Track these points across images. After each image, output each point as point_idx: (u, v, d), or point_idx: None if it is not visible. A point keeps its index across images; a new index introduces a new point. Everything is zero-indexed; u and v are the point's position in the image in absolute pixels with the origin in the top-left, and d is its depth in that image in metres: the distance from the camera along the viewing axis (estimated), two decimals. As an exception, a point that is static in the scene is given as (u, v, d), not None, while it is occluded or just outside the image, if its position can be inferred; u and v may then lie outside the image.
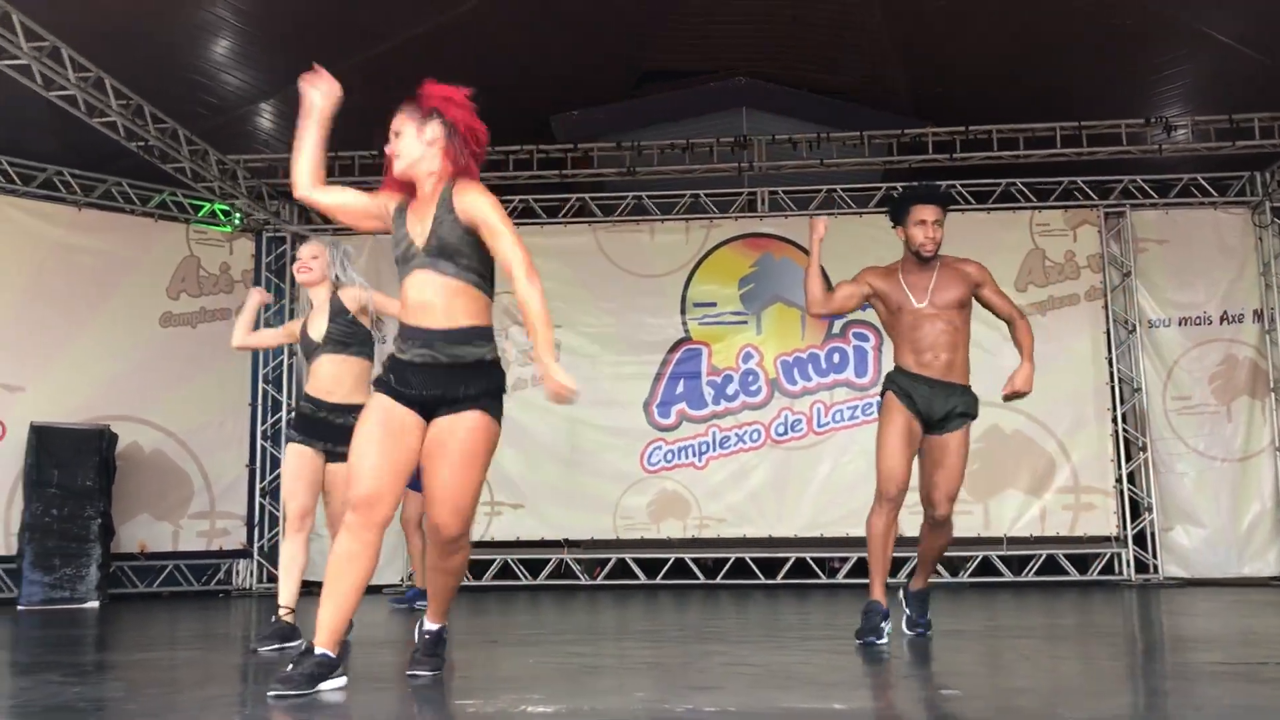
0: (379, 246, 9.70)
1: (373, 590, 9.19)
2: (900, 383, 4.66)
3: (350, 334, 4.95)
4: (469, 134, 3.43)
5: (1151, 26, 7.78)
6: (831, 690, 3.13)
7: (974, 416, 4.70)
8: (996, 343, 9.09)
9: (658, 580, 9.15)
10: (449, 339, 3.29)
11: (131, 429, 8.72)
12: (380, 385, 3.40)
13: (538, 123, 9.54)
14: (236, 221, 9.61)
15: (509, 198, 9.63)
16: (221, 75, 8.14)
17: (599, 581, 9.30)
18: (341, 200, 3.55)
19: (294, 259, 5.30)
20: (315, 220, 9.84)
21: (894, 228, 4.87)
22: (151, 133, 7.73)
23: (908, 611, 4.91)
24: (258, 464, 9.45)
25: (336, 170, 9.21)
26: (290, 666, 3.26)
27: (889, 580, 4.83)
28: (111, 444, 8.33)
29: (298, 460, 4.90)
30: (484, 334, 3.36)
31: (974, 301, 4.86)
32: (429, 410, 3.34)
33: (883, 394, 4.76)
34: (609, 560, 9.29)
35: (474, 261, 3.34)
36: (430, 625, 3.69)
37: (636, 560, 9.19)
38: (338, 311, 4.96)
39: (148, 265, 9.13)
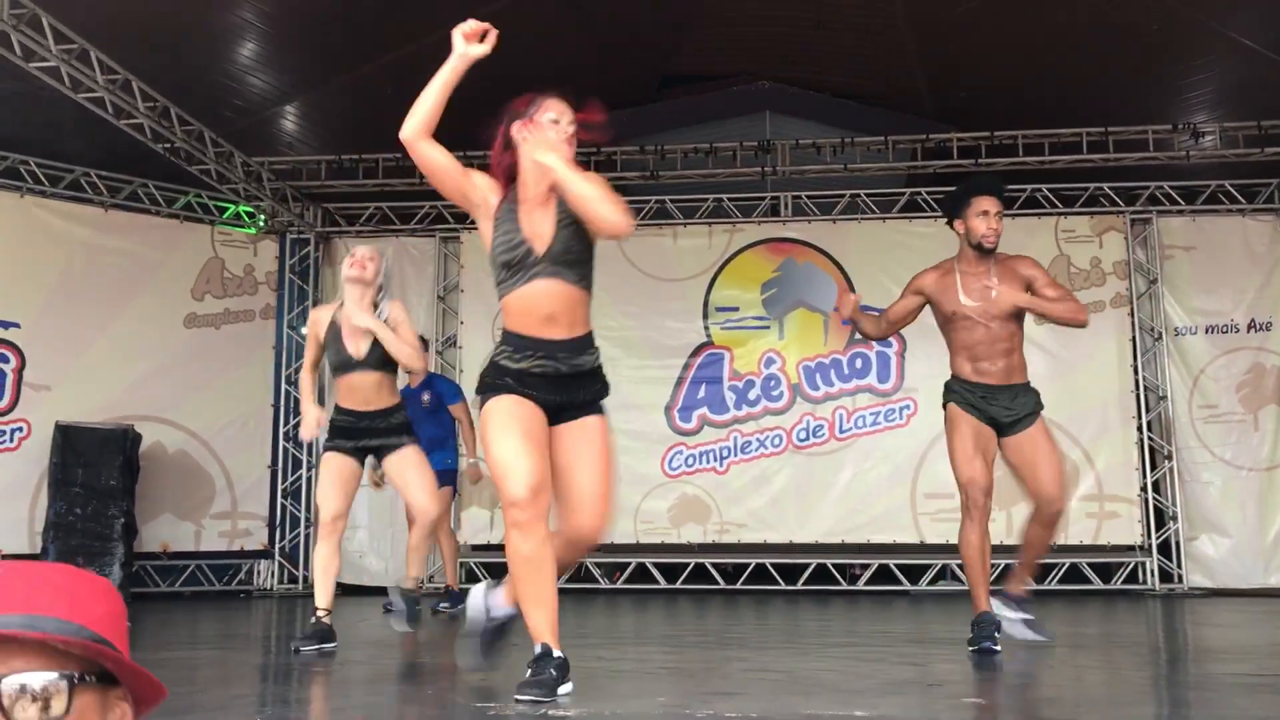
0: (402, 248, 9.73)
1: (368, 591, 9.21)
2: (961, 393, 4.58)
3: (386, 352, 4.92)
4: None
5: (1179, 33, 7.72)
6: (854, 698, 3.11)
7: (1041, 408, 4.63)
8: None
9: (678, 585, 9.13)
10: (571, 349, 3.25)
11: (155, 429, 8.76)
12: (495, 389, 3.26)
13: (558, 124, 9.54)
14: (261, 223, 9.66)
15: (532, 201, 9.63)
16: (247, 77, 8.19)
17: (619, 585, 9.28)
18: (442, 162, 3.38)
19: (342, 257, 5.31)
20: (339, 222, 9.89)
21: (950, 223, 4.73)
22: (178, 134, 7.77)
23: (1025, 615, 4.62)
24: (279, 465, 9.49)
25: (360, 173, 9.25)
26: (530, 672, 3.14)
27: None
28: (135, 444, 8.38)
29: (334, 466, 4.90)
30: (594, 341, 3.36)
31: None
32: (549, 415, 3.27)
33: (944, 407, 4.65)
34: (629, 564, 9.28)
35: (589, 269, 3.31)
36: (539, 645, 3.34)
37: (656, 564, 9.18)
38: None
39: (172, 266, 9.18)
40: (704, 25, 8.71)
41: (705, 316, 9.36)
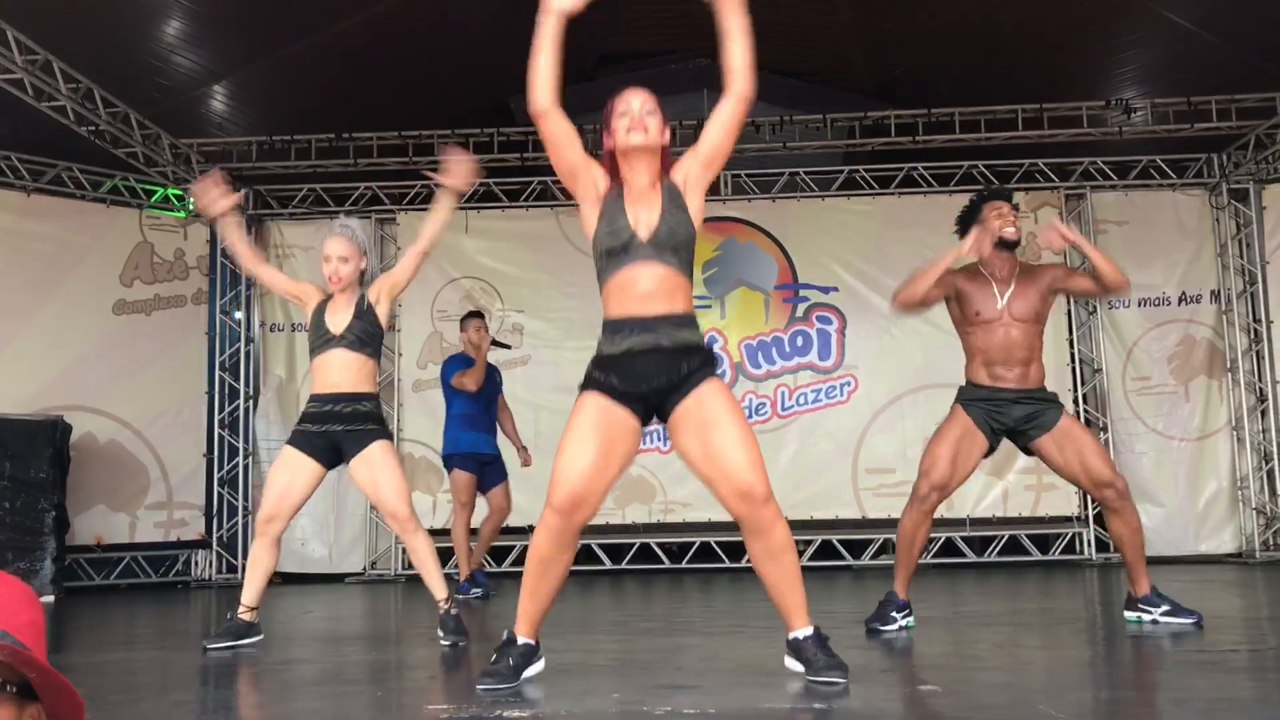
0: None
1: (334, 579, 9.10)
2: (975, 403, 4.53)
3: (372, 334, 4.70)
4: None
5: (1110, 8, 7.80)
6: (812, 688, 3.11)
7: (1063, 406, 4.64)
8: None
9: (623, 565, 9.12)
10: (672, 323, 3.18)
11: (86, 419, 8.55)
12: (588, 384, 3.23)
13: (497, 105, 9.43)
14: (190, 206, 9.43)
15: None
16: (173, 57, 7.97)
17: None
18: (570, 134, 3.28)
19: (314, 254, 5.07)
20: (272, 205, 9.69)
21: (963, 235, 4.73)
22: (102, 117, 7.55)
23: (1164, 607, 4.60)
24: (215, 453, 9.32)
25: (293, 154, 9.07)
26: (494, 659, 3.24)
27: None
28: (65, 435, 8.16)
29: (290, 463, 4.64)
30: (697, 322, 3.30)
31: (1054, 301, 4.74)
32: (653, 405, 3.22)
33: (953, 405, 4.63)
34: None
35: (690, 256, 3.28)
36: (800, 631, 3.29)
37: (601, 545, 9.16)
38: (364, 310, 4.70)
39: (100, 252, 8.94)
40: (640, 2, 8.63)
41: (647, 296, 9.31)
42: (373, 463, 4.59)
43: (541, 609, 3.29)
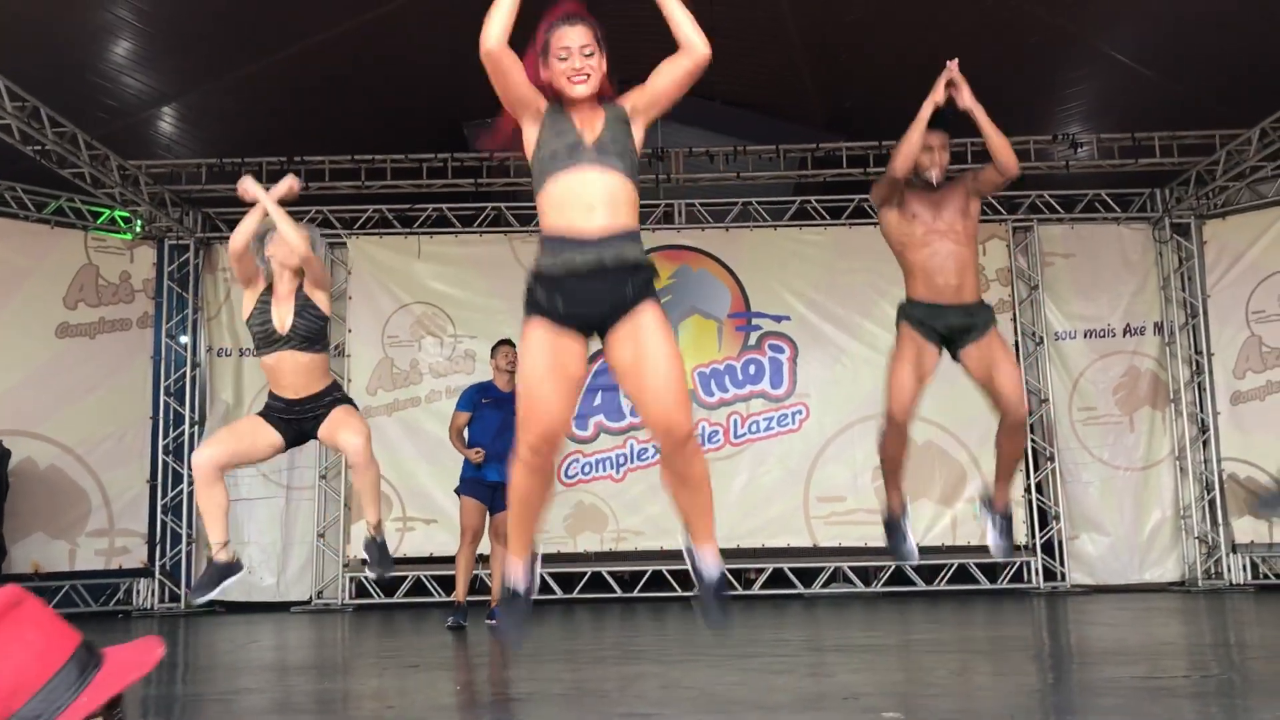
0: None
1: (281, 608, 8.94)
2: (915, 314, 4.59)
3: (318, 330, 4.67)
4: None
5: (1056, 45, 7.97)
6: (776, 715, 3.10)
7: (994, 322, 4.69)
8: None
9: (574, 595, 9.06)
10: (614, 241, 3.12)
11: (25, 444, 8.36)
12: (533, 308, 3.17)
13: (450, 130, 9.41)
14: (137, 229, 9.28)
15: (423, 206, 9.48)
16: (122, 78, 7.87)
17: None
18: (517, 67, 3.17)
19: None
20: (221, 228, 9.57)
21: None
22: (49, 137, 7.42)
23: (1002, 525, 4.75)
24: (159, 479, 9.13)
25: (267, 175, 8.96)
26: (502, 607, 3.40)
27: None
28: (4, 460, 7.98)
29: (254, 424, 4.69)
30: (640, 238, 3.25)
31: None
32: (594, 325, 3.19)
33: (897, 326, 4.66)
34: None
35: (635, 164, 3.24)
36: (708, 565, 3.37)
37: (552, 574, 9.09)
38: (305, 305, 4.64)
39: (43, 274, 8.77)
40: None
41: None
42: (334, 421, 4.65)
43: (525, 544, 3.38)
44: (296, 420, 4.65)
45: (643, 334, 3.14)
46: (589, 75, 3.17)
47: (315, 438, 4.73)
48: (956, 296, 4.56)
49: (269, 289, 4.69)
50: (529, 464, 3.19)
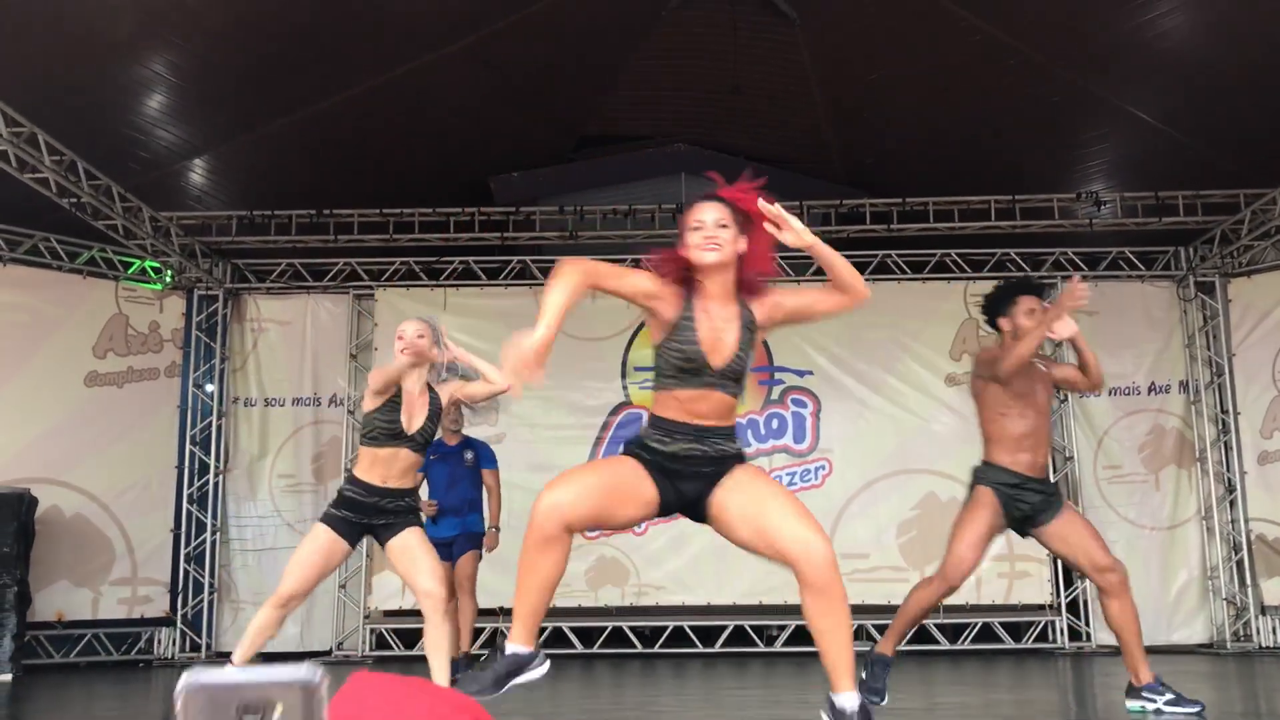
0: (315, 305, 9.59)
1: (300, 657, 8.91)
2: (999, 483, 4.68)
3: (433, 435, 4.83)
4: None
5: (1079, 104, 8.01)
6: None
7: (1063, 494, 4.79)
8: (933, 410, 9.23)
9: (594, 649, 9.01)
10: (719, 435, 3.25)
11: (52, 492, 8.42)
12: (628, 453, 3.29)
13: (477, 184, 9.53)
14: (168, 279, 9.40)
15: (449, 259, 9.56)
16: (156, 131, 8.02)
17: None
18: (622, 292, 3.27)
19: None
20: (249, 279, 9.69)
21: (992, 322, 4.90)
22: (85, 189, 7.55)
23: (1168, 696, 4.62)
24: (183, 529, 9.17)
25: (273, 229, 9.09)
26: (482, 662, 3.27)
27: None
28: (31, 508, 8.02)
29: (321, 542, 4.65)
30: (737, 434, 3.37)
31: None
32: (689, 498, 3.27)
33: (973, 487, 4.75)
34: (545, 629, 9.13)
35: (745, 380, 3.36)
36: (846, 700, 3.23)
37: (573, 629, 9.05)
38: (436, 412, 4.80)
39: (74, 323, 8.88)
40: (622, 87, 8.78)
41: (624, 376, 9.34)
42: (409, 544, 4.68)
43: (533, 609, 3.16)
44: (373, 512, 4.71)
45: (748, 487, 3.22)
46: (719, 245, 3.20)
47: (382, 543, 4.76)
48: (1040, 471, 4.69)
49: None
50: (538, 527, 3.11)
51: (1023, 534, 4.78)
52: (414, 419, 4.72)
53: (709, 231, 3.21)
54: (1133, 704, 4.69)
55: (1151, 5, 6.82)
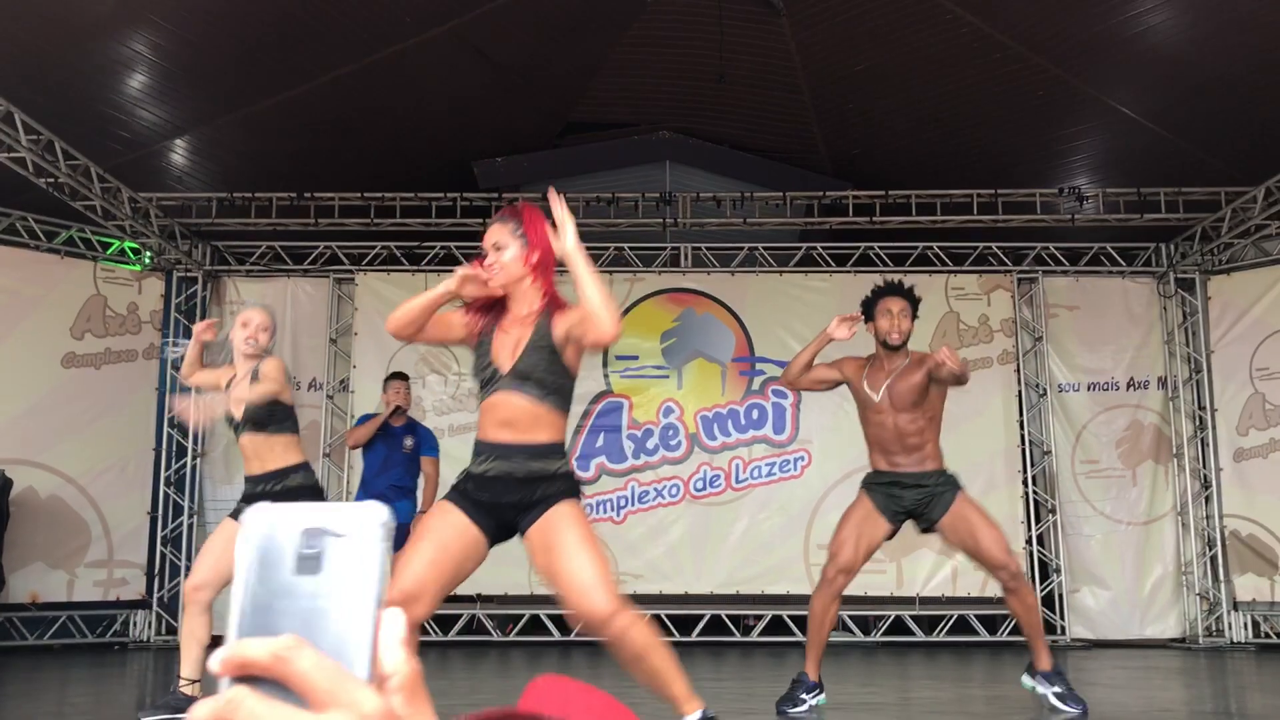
0: (295, 289, 9.53)
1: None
2: (876, 487, 4.80)
3: (269, 414, 4.65)
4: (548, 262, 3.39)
5: (1062, 99, 8.03)
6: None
7: (959, 487, 4.78)
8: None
9: (571, 637, 9.02)
10: (527, 453, 3.28)
11: (27, 473, 8.36)
12: (449, 492, 3.39)
13: (460, 168, 9.48)
14: (146, 260, 9.33)
15: (431, 244, 9.52)
16: (136, 110, 7.95)
17: (511, 638, 9.14)
18: (431, 335, 3.45)
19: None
20: (229, 261, 9.63)
21: (866, 324, 4.97)
22: (62, 169, 7.48)
23: (1056, 689, 4.72)
24: (160, 511, 9.12)
25: (253, 211, 9.03)
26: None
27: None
28: (6, 489, 7.98)
29: (226, 533, 4.67)
30: (561, 452, 3.38)
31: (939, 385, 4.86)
32: (506, 522, 3.32)
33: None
34: (522, 616, 9.14)
35: (554, 390, 3.35)
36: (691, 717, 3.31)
37: (550, 616, 9.06)
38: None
39: (51, 303, 8.80)
40: (608, 74, 8.75)
41: (605, 364, 9.33)
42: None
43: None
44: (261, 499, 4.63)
45: (557, 532, 3.25)
46: (497, 270, 3.31)
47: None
48: (917, 466, 4.76)
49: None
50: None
51: (922, 531, 4.90)
52: (238, 401, 4.69)
53: (489, 258, 3.33)
54: (1027, 680, 4.86)
55: (1136, 1, 6.83)
